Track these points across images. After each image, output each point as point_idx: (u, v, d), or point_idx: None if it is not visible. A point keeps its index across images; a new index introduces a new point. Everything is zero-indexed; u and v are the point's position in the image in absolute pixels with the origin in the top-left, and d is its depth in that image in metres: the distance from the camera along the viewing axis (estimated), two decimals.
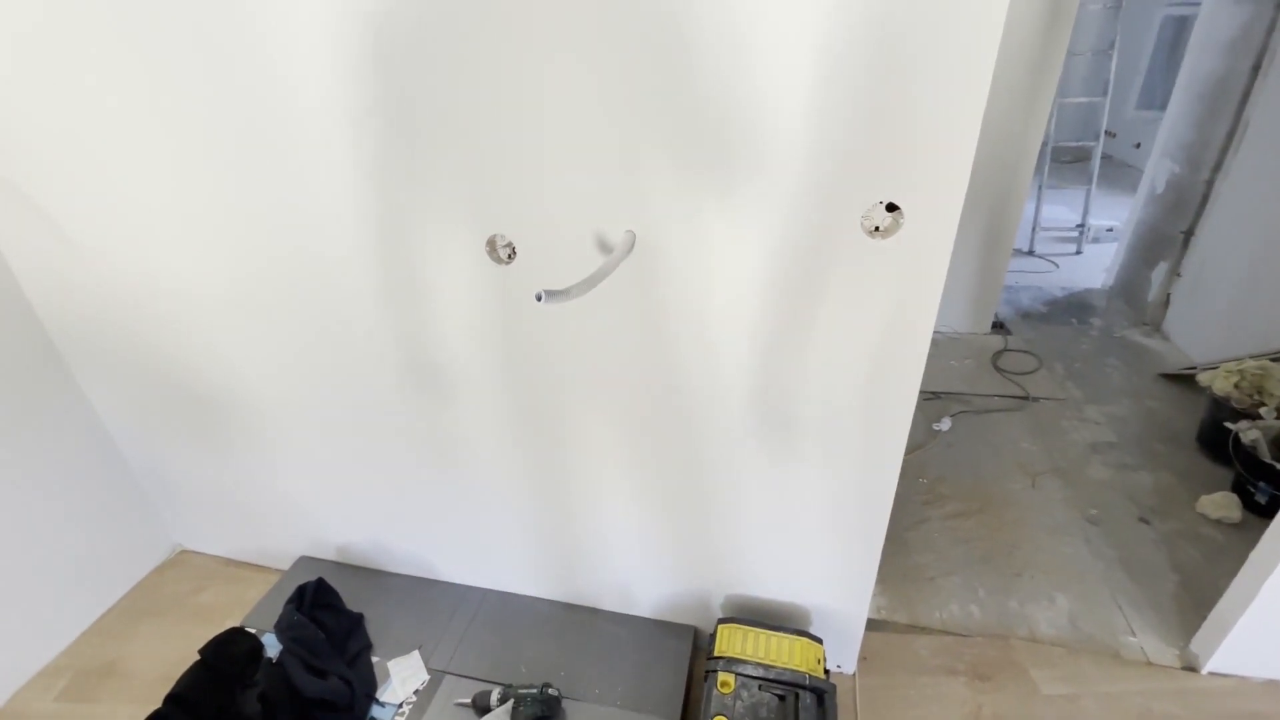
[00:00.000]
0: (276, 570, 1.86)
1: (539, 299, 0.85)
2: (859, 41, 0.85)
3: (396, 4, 0.95)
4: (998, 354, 2.97)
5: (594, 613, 1.60)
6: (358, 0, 0.95)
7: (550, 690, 1.35)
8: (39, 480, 1.56)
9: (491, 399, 1.33)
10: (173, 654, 1.56)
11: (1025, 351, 2.97)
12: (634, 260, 1.06)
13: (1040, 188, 4.10)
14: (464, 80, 0.98)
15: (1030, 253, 4.13)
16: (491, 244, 1.11)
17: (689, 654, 1.49)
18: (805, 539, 1.36)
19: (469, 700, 1.38)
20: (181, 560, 1.92)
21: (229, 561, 1.92)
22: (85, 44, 1.10)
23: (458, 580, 1.71)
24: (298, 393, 1.47)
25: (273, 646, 1.51)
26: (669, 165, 0.99)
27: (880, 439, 1.19)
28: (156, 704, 1.39)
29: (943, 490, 2.12)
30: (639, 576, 1.52)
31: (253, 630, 1.56)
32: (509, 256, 1.12)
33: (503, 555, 1.61)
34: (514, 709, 1.33)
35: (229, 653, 1.48)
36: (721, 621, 1.38)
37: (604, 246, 1.07)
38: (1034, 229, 4.12)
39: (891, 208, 0.97)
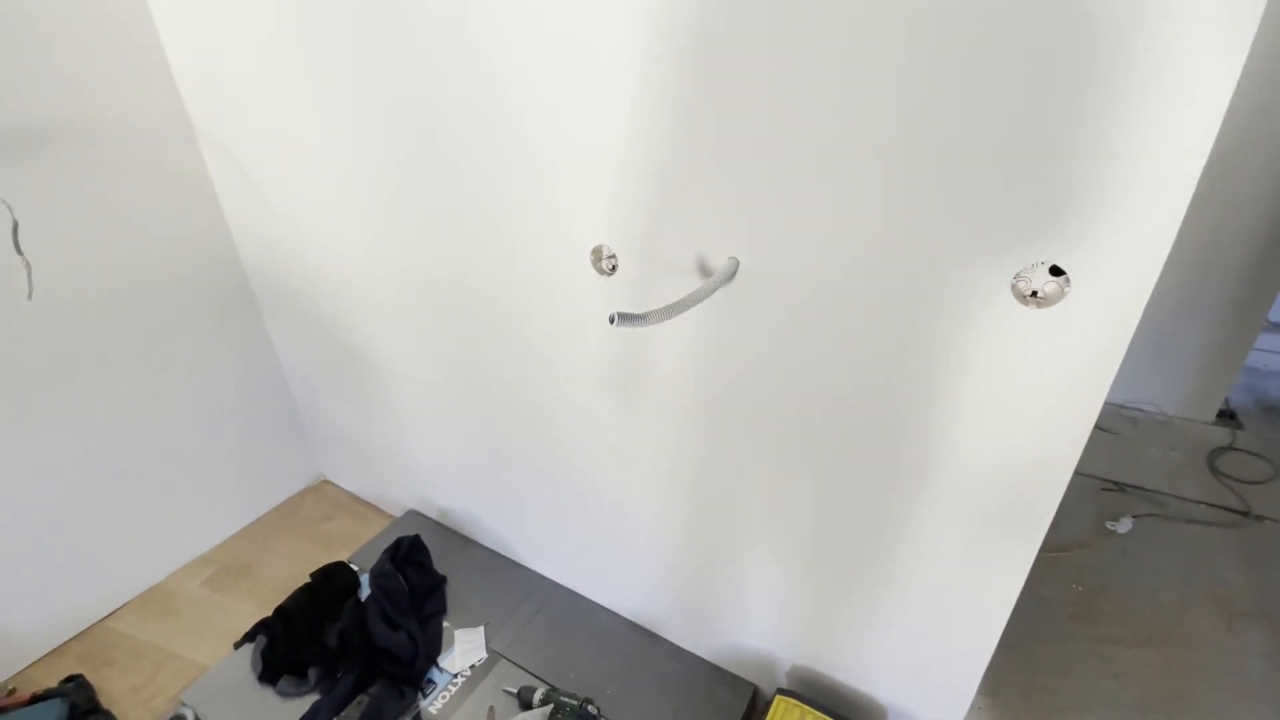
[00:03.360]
0: (389, 515, 2.03)
1: (612, 321, 0.81)
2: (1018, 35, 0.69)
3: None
4: (1218, 451, 2.40)
5: (655, 639, 1.54)
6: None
7: (590, 707, 1.32)
8: (224, 398, 1.84)
9: (595, 410, 1.31)
10: (294, 570, 1.77)
11: (1258, 455, 2.37)
12: (735, 290, 0.98)
13: None
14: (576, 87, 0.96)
15: None
16: (597, 254, 1.09)
17: (743, 713, 1.38)
18: (897, 625, 1.18)
19: (515, 690, 1.40)
20: (320, 489, 2.18)
21: (355, 498, 2.14)
22: (301, 57, 1.27)
23: (534, 567, 1.74)
24: (430, 366, 1.58)
25: (366, 588, 1.65)
26: (796, 187, 0.89)
27: (1009, 532, 0.98)
28: (271, 610, 1.59)
29: (1102, 605, 1.75)
30: (713, 617, 1.43)
31: (355, 567, 1.72)
32: (611, 269, 1.09)
33: (582, 556, 1.60)
34: (552, 714, 1.32)
35: (330, 584, 1.64)
36: (781, 692, 1.25)
37: (705, 270, 1.00)
38: None
39: (1056, 271, 0.78)
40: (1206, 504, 2.14)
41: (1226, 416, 2.59)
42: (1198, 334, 2.41)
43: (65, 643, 1.62)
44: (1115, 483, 2.22)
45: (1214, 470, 2.30)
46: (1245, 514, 2.09)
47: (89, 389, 1.54)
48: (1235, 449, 2.40)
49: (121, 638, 1.64)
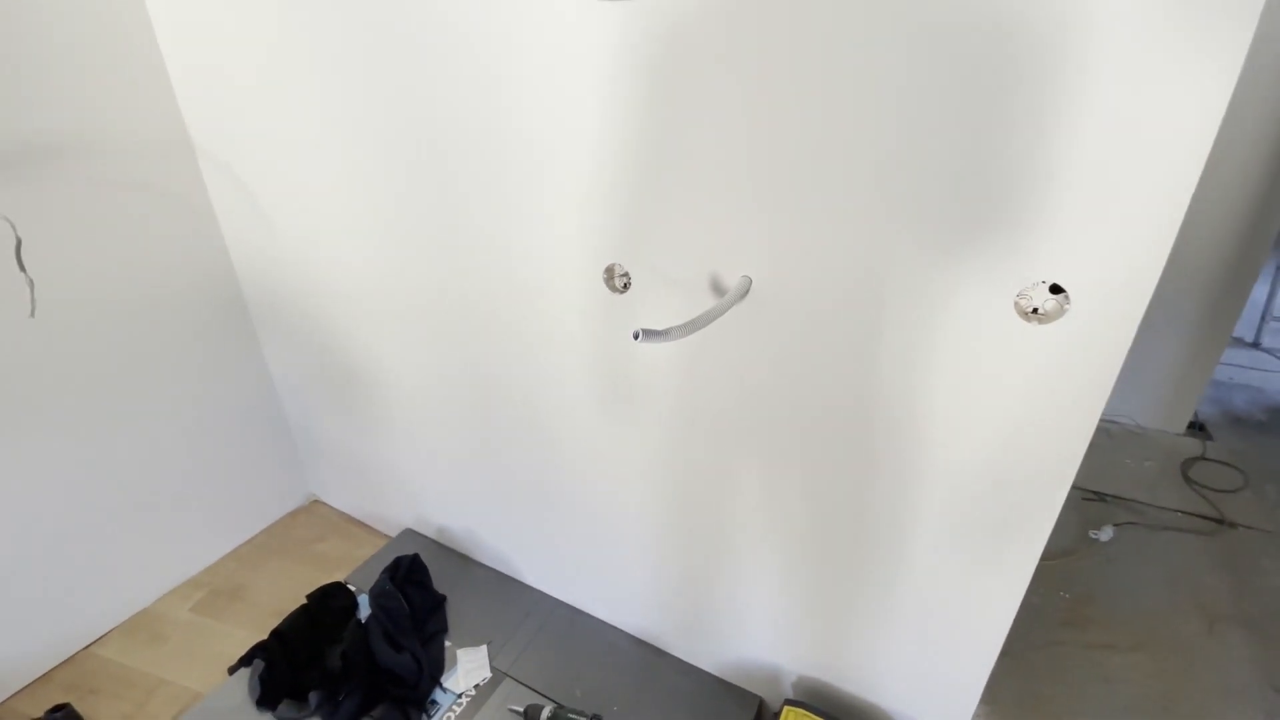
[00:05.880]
0: (385, 535, 2.01)
1: (636, 337, 0.83)
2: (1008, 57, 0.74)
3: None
4: (1190, 461, 2.49)
5: (660, 654, 1.55)
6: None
7: None
8: (215, 417, 1.81)
9: (599, 426, 1.33)
10: (288, 592, 1.74)
11: (1228, 464, 2.47)
12: (747, 306, 1.01)
13: (1279, 268, 3.41)
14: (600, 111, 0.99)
15: (1255, 345, 3.44)
16: (609, 272, 1.11)
17: None
18: (901, 633, 1.21)
19: (521, 709, 1.39)
20: (312, 509, 2.15)
21: (349, 518, 2.11)
22: (303, 70, 1.29)
23: (536, 585, 1.74)
24: (431, 381, 1.58)
25: (364, 609, 1.63)
26: (807, 210, 0.92)
27: (1010, 542, 1.02)
28: (266, 634, 1.56)
29: (1089, 613, 1.80)
30: (717, 630, 1.44)
31: (353, 588, 1.70)
32: (624, 287, 1.11)
33: (585, 572, 1.61)
34: None
35: (328, 605, 1.62)
36: (789, 703, 1.26)
37: (717, 288, 1.03)
38: (1263, 317, 3.43)
39: (1056, 289, 0.83)
40: (1183, 512, 2.21)
41: (1196, 428, 2.69)
42: (1168, 349, 2.52)
43: (50, 670, 1.56)
44: (1096, 492, 2.29)
45: (1188, 480, 2.39)
46: (1220, 521, 2.17)
47: (75, 408, 1.50)
48: (1206, 459, 2.50)
49: (109, 664, 1.59)
